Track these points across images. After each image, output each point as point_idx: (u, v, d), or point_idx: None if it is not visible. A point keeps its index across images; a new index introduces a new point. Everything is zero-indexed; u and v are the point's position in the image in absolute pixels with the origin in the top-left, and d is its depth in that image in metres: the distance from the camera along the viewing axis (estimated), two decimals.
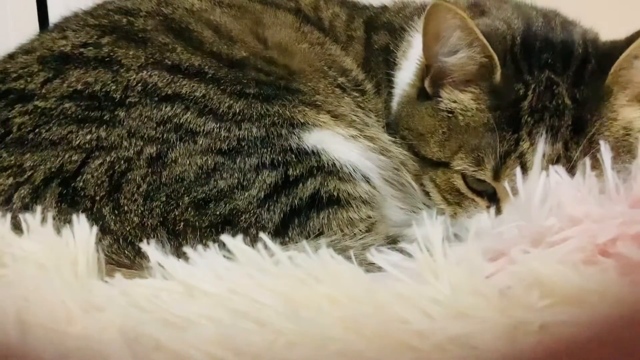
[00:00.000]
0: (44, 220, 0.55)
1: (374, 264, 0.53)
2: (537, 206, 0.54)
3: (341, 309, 0.40)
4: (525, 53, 0.73)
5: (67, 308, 0.41)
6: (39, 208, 0.57)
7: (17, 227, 0.57)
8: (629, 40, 0.71)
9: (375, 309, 0.40)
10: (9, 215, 0.59)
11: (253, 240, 0.60)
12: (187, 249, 0.50)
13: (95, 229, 0.54)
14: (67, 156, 0.66)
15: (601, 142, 0.62)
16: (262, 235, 0.51)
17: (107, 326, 0.39)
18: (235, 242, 0.47)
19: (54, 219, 0.59)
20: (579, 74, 0.72)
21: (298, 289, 0.42)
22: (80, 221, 0.54)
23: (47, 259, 0.47)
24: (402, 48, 0.85)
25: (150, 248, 0.48)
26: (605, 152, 0.60)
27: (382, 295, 0.41)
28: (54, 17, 1.30)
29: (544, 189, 0.57)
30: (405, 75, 0.81)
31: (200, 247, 0.50)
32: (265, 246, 0.48)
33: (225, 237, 0.49)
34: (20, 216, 0.56)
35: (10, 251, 0.50)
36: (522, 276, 0.43)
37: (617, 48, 0.71)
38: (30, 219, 0.54)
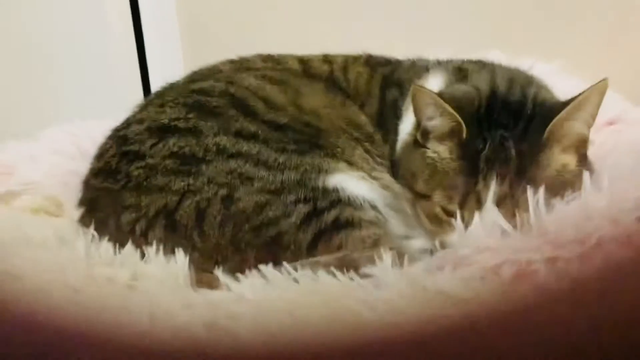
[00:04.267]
0: (157, 250, 0.89)
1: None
2: (473, 237, 0.83)
3: (321, 308, 0.71)
4: (487, 115, 0.98)
5: (172, 306, 0.74)
6: (154, 243, 0.92)
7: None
8: (563, 105, 0.94)
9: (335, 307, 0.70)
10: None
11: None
12: (238, 275, 0.83)
13: (187, 257, 0.88)
14: (168, 197, 0.96)
15: (528, 188, 0.88)
16: (285, 264, 0.83)
17: (194, 318, 0.71)
18: (267, 269, 0.80)
19: (161, 242, 0.93)
20: (525, 131, 0.95)
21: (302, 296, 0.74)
22: (179, 253, 0.88)
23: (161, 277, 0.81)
24: (406, 103, 1.11)
25: (220, 272, 0.81)
26: (530, 195, 0.86)
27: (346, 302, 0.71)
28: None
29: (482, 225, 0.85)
30: (406, 126, 1.08)
31: (247, 271, 0.83)
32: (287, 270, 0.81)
33: (262, 267, 0.82)
34: (144, 249, 0.91)
35: (140, 271, 0.84)
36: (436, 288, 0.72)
37: (554, 110, 0.94)
38: (151, 251, 0.89)
